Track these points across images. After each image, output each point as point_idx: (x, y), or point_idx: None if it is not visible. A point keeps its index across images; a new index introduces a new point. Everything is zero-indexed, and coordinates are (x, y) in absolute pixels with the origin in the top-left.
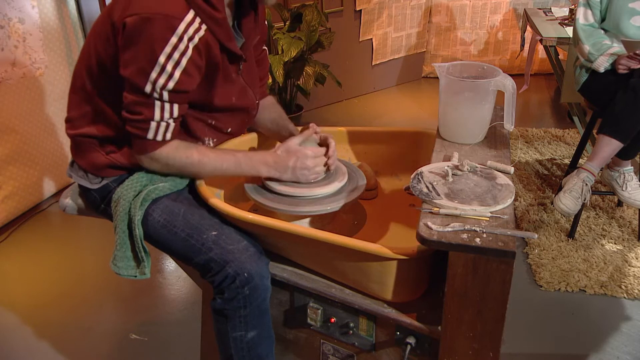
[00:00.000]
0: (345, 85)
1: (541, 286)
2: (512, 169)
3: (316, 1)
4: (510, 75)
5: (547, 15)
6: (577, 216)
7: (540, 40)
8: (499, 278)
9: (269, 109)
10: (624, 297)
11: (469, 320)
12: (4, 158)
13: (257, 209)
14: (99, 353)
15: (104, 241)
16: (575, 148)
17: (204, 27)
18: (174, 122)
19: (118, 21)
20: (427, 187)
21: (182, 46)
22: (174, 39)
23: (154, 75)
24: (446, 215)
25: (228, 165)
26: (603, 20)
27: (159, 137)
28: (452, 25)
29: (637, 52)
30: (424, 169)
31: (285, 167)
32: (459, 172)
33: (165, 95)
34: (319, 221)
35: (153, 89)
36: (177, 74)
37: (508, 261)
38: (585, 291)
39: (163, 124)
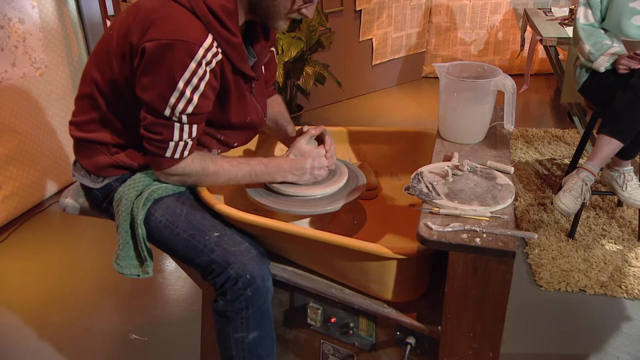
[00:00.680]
0: (345, 85)
1: (541, 286)
2: (512, 169)
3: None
4: (510, 75)
5: (547, 15)
6: (577, 216)
7: (540, 40)
8: (499, 278)
9: (270, 107)
10: (624, 297)
11: (469, 320)
12: (4, 158)
13: (257, 209)
14: (99, 353)
15: (104, 241)
16: (575, 148)
17: (220, 50)
18: (191, 141)
19: (137, 44)
20: (427, 187)
21: (200, 71)
22: (192, 65)
23: (172, 100)
24: (446, 215)
25: (243, 174)
26: (603, 20)
27: (177, 155)
28: (452, 25)
29: (638, 51)
30: (424, 169)
31: (302, 170)
32: (459, 172)
33: (185, 118)
34: (319, 221)
35: (172, 113)
36: (195, 98)
37: (508, 261)
38: (585, 291)
39: (181, 144)
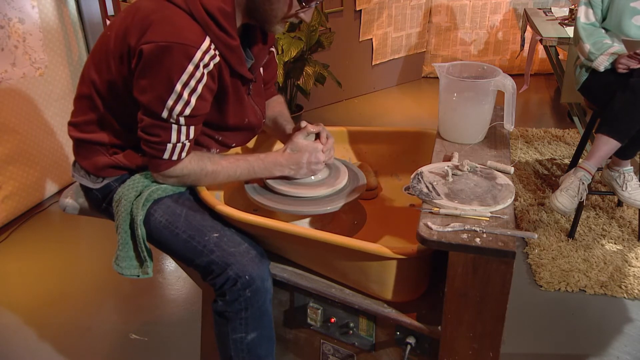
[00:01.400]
0: (345, 85)
1: (541, 286)
2: (512, 169)
3: None
4: (510, 75)
5: (547, 15)
6: (577, 216)
7: (540, 40)
8: (498, 278)
9: (271, 107)
10: (624, 297)
11: (469, 320)
12: (4, 158)
13: (257, 209)
14: (99, 353)
15: (104, 241)
16: (575, 148)
17: (217, 53)
18: (189, 142)
19: (135, 46)
20: (427, 187)
21: (198, 74)
22: (190, 67)
23: (170, 102)
24: (446, 215)
25: (242, 171)
26: (604, 19)
27: (174, 157)
28: (452, 25)
29: (638, 51)
30: (424, 169)
31: (299, 164)
32: (459, 172)
33: (182, 120)
34: (319, 221)
35: (170, 115)
36: (193, 100)
37: (508, 261)
38: (585, 291)
39: (179, 145)
